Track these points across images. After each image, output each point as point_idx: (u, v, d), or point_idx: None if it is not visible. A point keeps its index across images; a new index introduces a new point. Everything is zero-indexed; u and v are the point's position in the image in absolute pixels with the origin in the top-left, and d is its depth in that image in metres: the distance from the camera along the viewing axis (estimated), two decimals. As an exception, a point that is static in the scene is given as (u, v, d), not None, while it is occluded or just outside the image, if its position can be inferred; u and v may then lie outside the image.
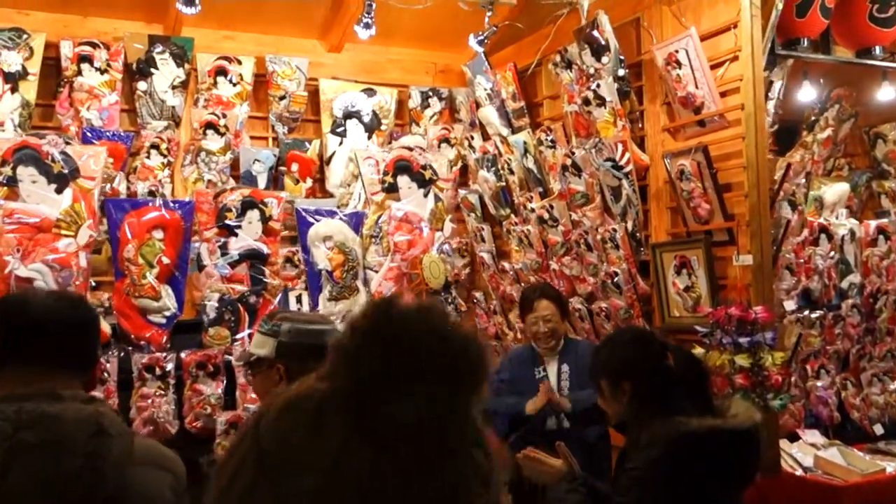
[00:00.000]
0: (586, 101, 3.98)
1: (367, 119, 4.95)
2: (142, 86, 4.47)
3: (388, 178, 3.59)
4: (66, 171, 3.13)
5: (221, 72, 4.64)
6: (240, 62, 4.70)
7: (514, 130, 4.75)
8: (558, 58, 4.26)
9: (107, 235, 3.34)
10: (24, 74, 4.12)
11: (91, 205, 3.15)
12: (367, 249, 3.55)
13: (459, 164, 5.29)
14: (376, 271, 3.52)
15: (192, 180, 4.46)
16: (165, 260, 3.10)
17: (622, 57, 3.94)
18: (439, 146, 5.23)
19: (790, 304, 4.23)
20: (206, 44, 4.78)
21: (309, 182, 4.85)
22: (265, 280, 3.34)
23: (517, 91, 4.70)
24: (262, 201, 3.39)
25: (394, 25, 5.16)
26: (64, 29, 4.42)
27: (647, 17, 3.93)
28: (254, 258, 3.33)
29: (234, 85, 4.66)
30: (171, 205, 3.27)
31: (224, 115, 4.49)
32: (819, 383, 4.22)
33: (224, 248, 3.27)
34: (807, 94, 5.42)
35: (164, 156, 4.44)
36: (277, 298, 3.37)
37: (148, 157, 4.42)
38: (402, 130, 5.33)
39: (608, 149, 3.85)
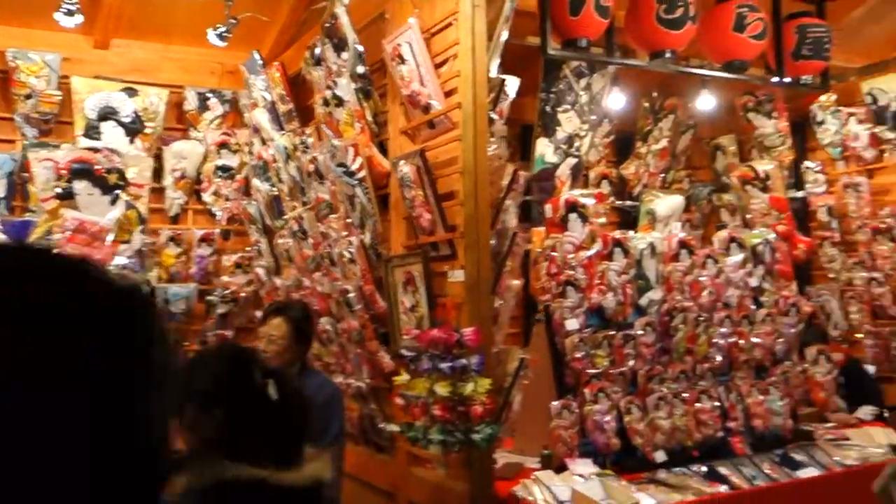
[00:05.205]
0: (325, 102, 3.62)
1: (127, 121, 4.53)
2: None
3: (63, 183, 3.19)
4: None
5: (-55, 67, 4.19)
6: (-33, 56, 4.25)
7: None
8: (308, 54, 3.91)
9: None
10: None
11: None
12: (36, 264, 3.12)
13: (244, 171, 4.92)
14: (45, 289, 3.10)
15: (-87, 186, 4.00)
16: None
17: (361, 52, 3.59)
18: (219, 152, 4.85)
19: (573, 323, 3.93)
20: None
21: (59, 189, 4.41)
22: None
23: (286, 92, 4.33)
24: None
25: (172, 21, 4.78)
26: None
27: (390, 9, 3.58)
28: None
29: (-38, 81, 4.21)
30: None
31: (-54, 115, 4.04)
32: (597, 407, 3.90)
33: None
34: (616, 101, 5.17)
35: None
36: None
37: None
38: (183, 135, 4.93)
39: (340, 153, 3.49)
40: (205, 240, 4.75)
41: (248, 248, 4.88)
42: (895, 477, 1.59)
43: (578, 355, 3.84)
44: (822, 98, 5.41)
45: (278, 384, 1.99)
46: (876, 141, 5.25)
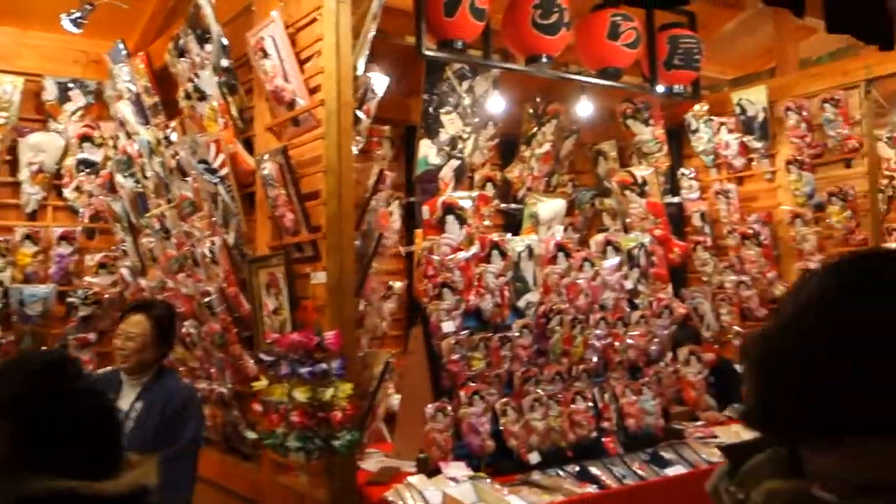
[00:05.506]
0: (187, 95, 3.46)
1: (-24, 110, 4.24)
2: None
3: None
4: None
5: None
6: None
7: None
8: (172, 45, 3.72)
9: None
10: None
11: None
12: None
13: (109, 166, 4.66)
14: None
15: None
16: None
17: (226, 44, 3.44)
18: (81, 145, 4.58)
19: (449, 325, 3.89)
20: None
21: None
22: None
23: (151, 84, 4.12)
24: None
25: (30, 4, 4.48)
26: None
27: (256, 2, 3.44)
28: None
29: None
30: None
31: None
32: (472, 410, 3.87)
33: None
34: (497, 105, 5.17)
35: None
36: None
37: None
38: (41, 126, 4.64)
39: (202, 149, 3.34)
40: (65, 238, 4.48)
41: (112, 248, 4.63)
42: (723, 478, 1.60)
43: (455, 357, 3.79)
44: (696, 107, 5.58)
45: (89, 392, 1.86)
46: (745, 150, 5.45)
